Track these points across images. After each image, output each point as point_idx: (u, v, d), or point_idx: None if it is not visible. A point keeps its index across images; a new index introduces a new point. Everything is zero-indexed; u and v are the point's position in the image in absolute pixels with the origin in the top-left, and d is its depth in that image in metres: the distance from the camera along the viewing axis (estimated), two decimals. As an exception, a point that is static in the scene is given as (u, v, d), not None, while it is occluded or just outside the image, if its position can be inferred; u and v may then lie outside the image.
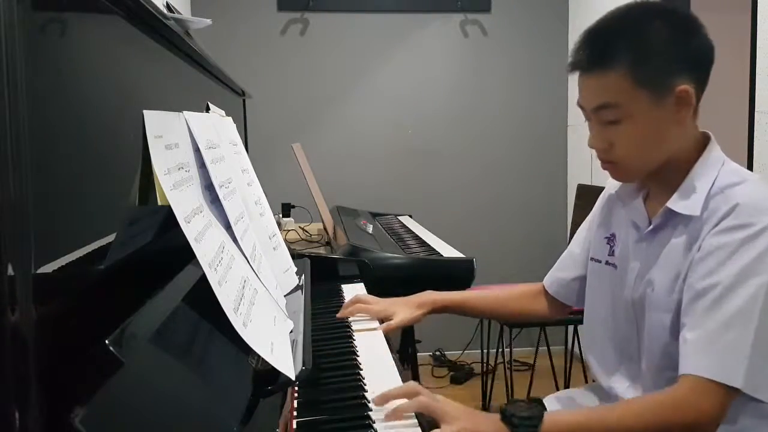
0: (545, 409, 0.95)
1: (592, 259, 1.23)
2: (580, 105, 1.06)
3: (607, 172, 1.11)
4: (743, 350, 0.91)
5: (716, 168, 1.02)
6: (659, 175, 1.07)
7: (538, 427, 0.89)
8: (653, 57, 0.98)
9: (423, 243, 2.22)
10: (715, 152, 1.04)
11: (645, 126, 1.00)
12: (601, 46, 1.00)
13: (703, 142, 1.07)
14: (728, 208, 0.96)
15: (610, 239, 1.19)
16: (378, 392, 0.97)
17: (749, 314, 0.92)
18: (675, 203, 1.03)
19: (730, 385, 0.91)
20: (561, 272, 1.33)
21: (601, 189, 1.28)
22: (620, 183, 1.17)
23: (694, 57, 1.01)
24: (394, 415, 0.91)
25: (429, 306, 1.37)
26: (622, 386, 1.13)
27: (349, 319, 1.38)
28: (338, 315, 1.39)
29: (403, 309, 1.36)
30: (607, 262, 1.19)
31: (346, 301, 1.53)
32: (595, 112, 1.02)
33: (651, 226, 1.08)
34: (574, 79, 1.08)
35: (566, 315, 1.40)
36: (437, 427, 0.89)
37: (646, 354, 1.08)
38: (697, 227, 1.00)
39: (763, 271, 0.92)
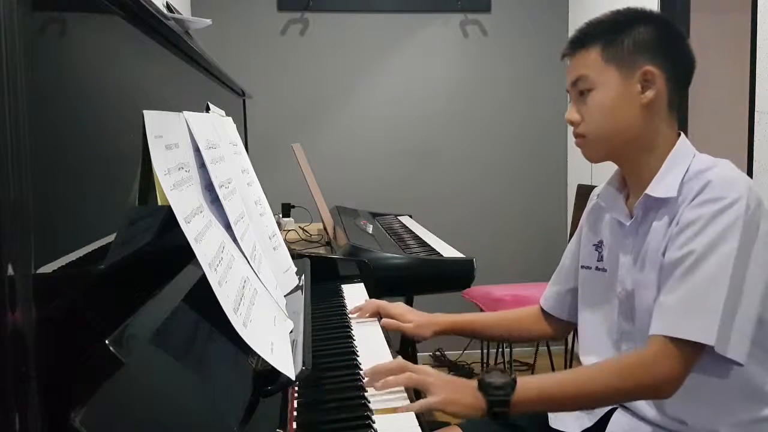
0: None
1: (582, 267, 1.25)
2: (566, 89, 1.16)
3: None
4: (715, 311, 0.96)
5: (688, 158, 1.09)
6: (636, 168, 1.13)
7: (511, 396, 0.96)
8: (624, 41, 1.08)
9: (423, 243, 2.22)
10: (685, 145, 1.11)
11: (609, 97, 1.09)
12: (586, 32, 1.13)
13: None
14: (701, 185, 1.03)
15: (598, 246, 1.22)
16: (378, 393, 0.99)
17: (720, 279, 0.97)
18: (652, 189, 1.09)
19: (704, 342, 0.96)
20: (554, 287, 1.35)
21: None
22: (603, 189, 1.21)
23: (670, 55, 1.09)
24: (384, 386, 0.98)
25: (438, 326, 1.36)
26: None
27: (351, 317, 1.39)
28: (356, 315, 1.40)
29: (421, 329, 1.36)
30: (597, 268, 1.21)
31: (346, 301, 1.53)
32: (572, 87, 1.13)
33: (633, 218, 1.12)
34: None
35: (568, 334, 1.41)
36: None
37: (639, 343, 1.10)
38: (674, 208, 1.06)
39: (732, 239, 0.98)
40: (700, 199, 1.01)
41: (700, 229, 1.00)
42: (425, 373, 1.01)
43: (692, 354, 0.97)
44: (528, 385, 0.99)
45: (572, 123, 1.13)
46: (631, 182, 1.16)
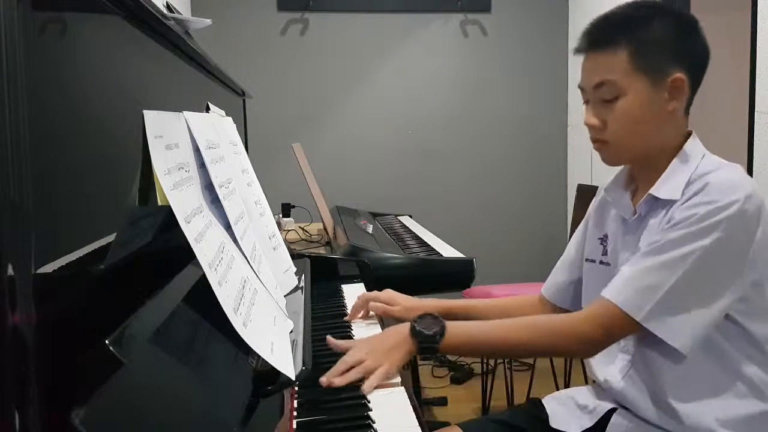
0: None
1: (587, 260, 1.25)
2: (580, 87, 1.12)
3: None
4: (657, 292, 0.99)
5: (697, 158, 1.07)
6: (647, 168, 1.11)
7: (440, 342, 1.05)
8: (653, 47, 1.04)
9: (423, 243, 2.22)
10: (695, 145, 1.09)
11: (638, 106, 1.05)
12: (607, 30, 1.07)
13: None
14: (699, 187, 1.02)
15: (603, 240, 1.22)
16: (378, 392, 0.99)
17: (677, 266, 0.99)
18: (657, 190, 1.07)
19: (631, 316, 1.00)
20: (557, 277, 1.34)
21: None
22: (610, 184, 1.20)
23: (692, 54, 1.07)
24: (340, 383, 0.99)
25: (428, 310, 1.36)
26: (616, 379, 1.14)
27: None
28: (349, 318, 1.38)
29: (410, 312, 1.34)
30: (601, 262, 1.21)
31: (346, 301, 1.53)
32: (595, 90, 1.08)
33: (636, 215, 1.12)
34: (574, 77, 1.09)
35: None
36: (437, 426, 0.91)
37: (635, 342, 1.11)
38: (674, 209, 1.05)
39: (708, 236, 0.98)
40: (695, 200, 1.01)
41: (684, 227, 1.00)
42: (359, 352, 1.03)
43: (621, 325, 1.02)
44: (456, 330, 1.07)
45: (592, 128, 1.09)
46: (640, 180, 1.15)
